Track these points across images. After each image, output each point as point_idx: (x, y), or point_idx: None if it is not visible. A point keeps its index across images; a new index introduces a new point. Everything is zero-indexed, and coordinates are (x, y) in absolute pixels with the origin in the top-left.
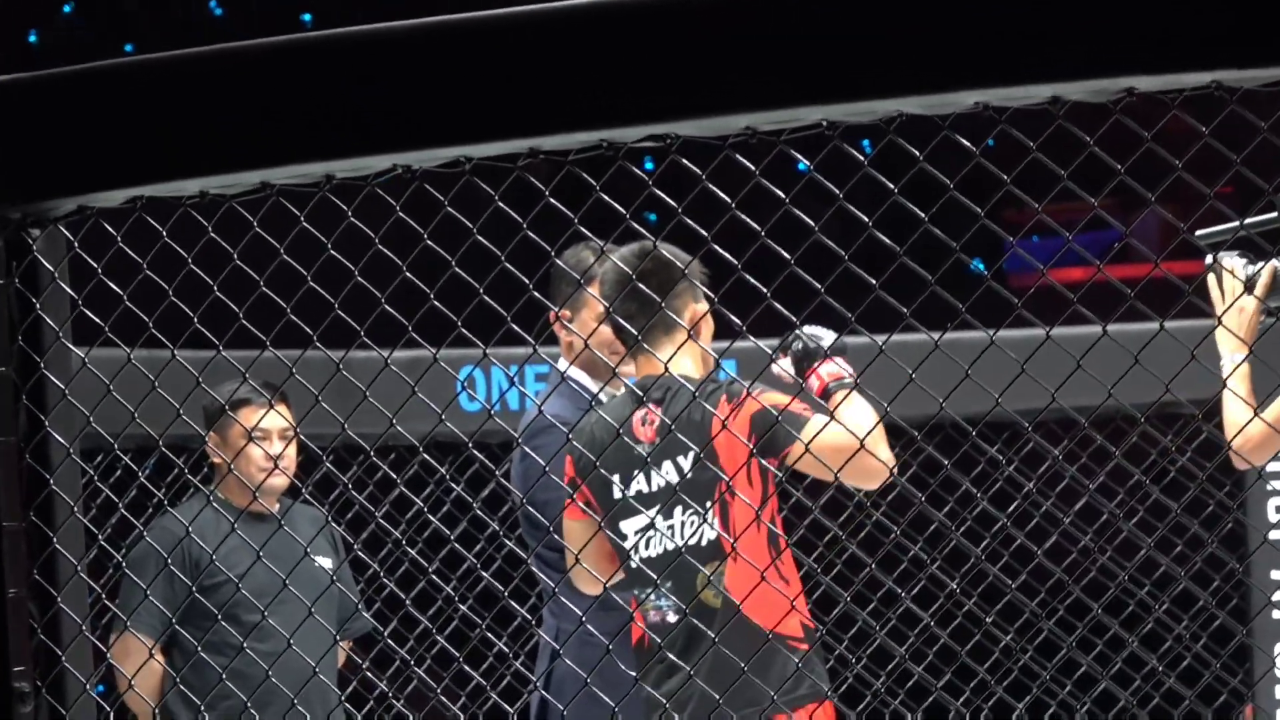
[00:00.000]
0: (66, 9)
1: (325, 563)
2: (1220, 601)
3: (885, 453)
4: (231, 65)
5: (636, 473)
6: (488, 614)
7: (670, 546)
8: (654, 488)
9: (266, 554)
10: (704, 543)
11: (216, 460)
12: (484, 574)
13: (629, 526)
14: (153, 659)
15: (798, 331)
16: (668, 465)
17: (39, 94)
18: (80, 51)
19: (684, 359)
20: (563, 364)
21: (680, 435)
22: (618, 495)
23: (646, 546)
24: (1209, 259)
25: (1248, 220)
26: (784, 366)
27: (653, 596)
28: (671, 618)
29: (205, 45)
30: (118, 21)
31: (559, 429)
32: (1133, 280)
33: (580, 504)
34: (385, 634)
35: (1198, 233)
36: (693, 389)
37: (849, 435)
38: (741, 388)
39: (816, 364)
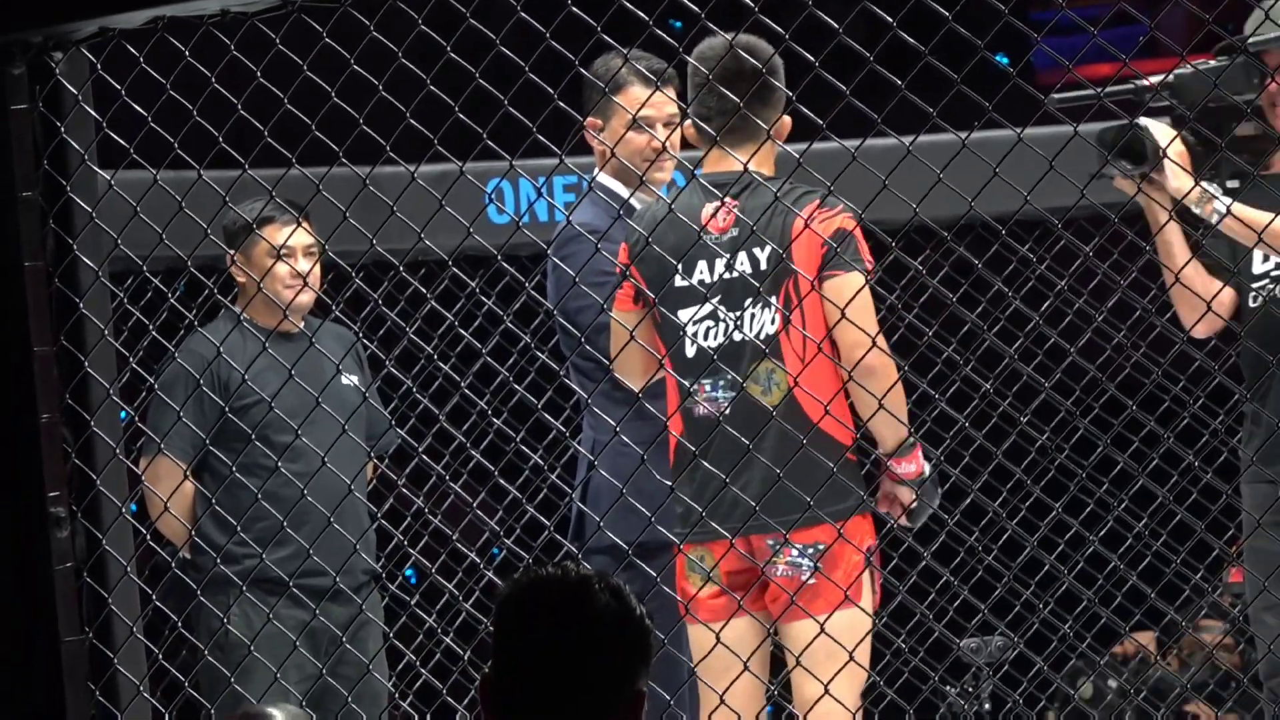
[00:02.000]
0: None
1: (350, 380)
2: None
3: (882, 359)
4: None
5: (701, 261)
6: (522, 427)
7: (737, 338)
8: (717, 278)
9: (294, 373)
10: (763, 338)
11: (241, 279)
12: (517, 387)
13: (686, 315)
14: (184, 482)
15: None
16: (741, 256)
17: None
18: None
19: (762, 161)
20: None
21: (759, 230)
22: (680, 282)
23: (706, 336)
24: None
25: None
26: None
27: (708, 386)
28: (728, 409)
29: None
30: None
31: (588, 238)
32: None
33: (629, 296)
34: (420, 450)
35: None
36: (785, 188)
37: (867, 309)
38: (838, 201)
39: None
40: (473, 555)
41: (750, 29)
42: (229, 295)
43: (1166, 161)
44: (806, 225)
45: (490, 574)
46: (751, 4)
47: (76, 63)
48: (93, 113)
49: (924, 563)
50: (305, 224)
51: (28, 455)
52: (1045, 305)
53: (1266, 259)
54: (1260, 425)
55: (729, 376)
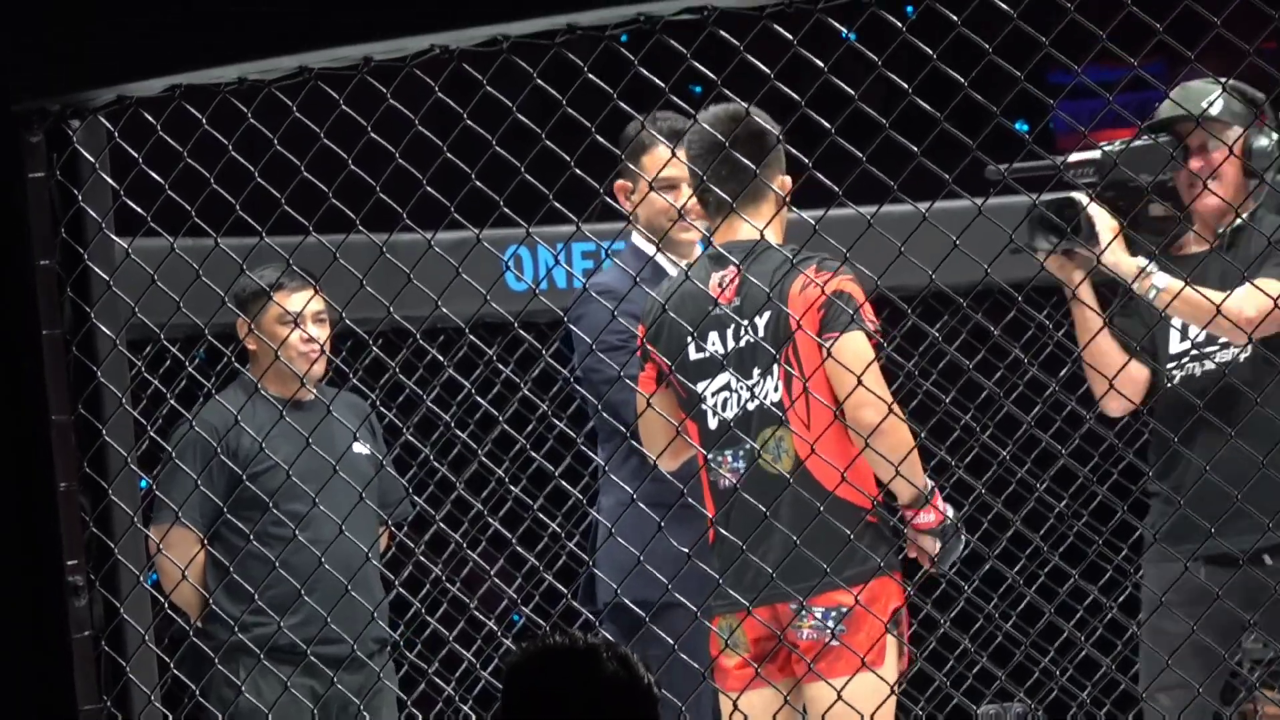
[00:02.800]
0: None
1: (363, 449)
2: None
3: (899, 438)
4: None
5: (713, 333)
6: (540, 494)
7: (751, 407)
8: (729, 349)
9: (307, 441)
10: (768, 406)
11: (253, 347)
12: (535, 454)
13: (705, 387)
14: (194, 549)
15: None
16: (745, 326)
17: None
18: None
19: (771, 227)
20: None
21: (759, 297)
22: (694, 355)
23: (724, 408)
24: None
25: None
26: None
27: (730, 457)
28: (743, 479)
29: None
30: None
31: (604, 297)
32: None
33: (652, 377)
34: (439, 517)
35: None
36: (785, 254)
37: (870, 367)
38: (835, 264)
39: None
40: (491, 623)
41: (766, 95)
42: (245, 363)
43: (1103, 237)
44: (820, 288)
45: (509, 641)
46: (767, 70)
47: (94, 130)
48: (110, 181)
49: (942, 629)
50: (315, 290)
51: (46, 524)
52: (1063, 371)
53: (1184, 338)
54: (1170, 504)
55: (747, 446)
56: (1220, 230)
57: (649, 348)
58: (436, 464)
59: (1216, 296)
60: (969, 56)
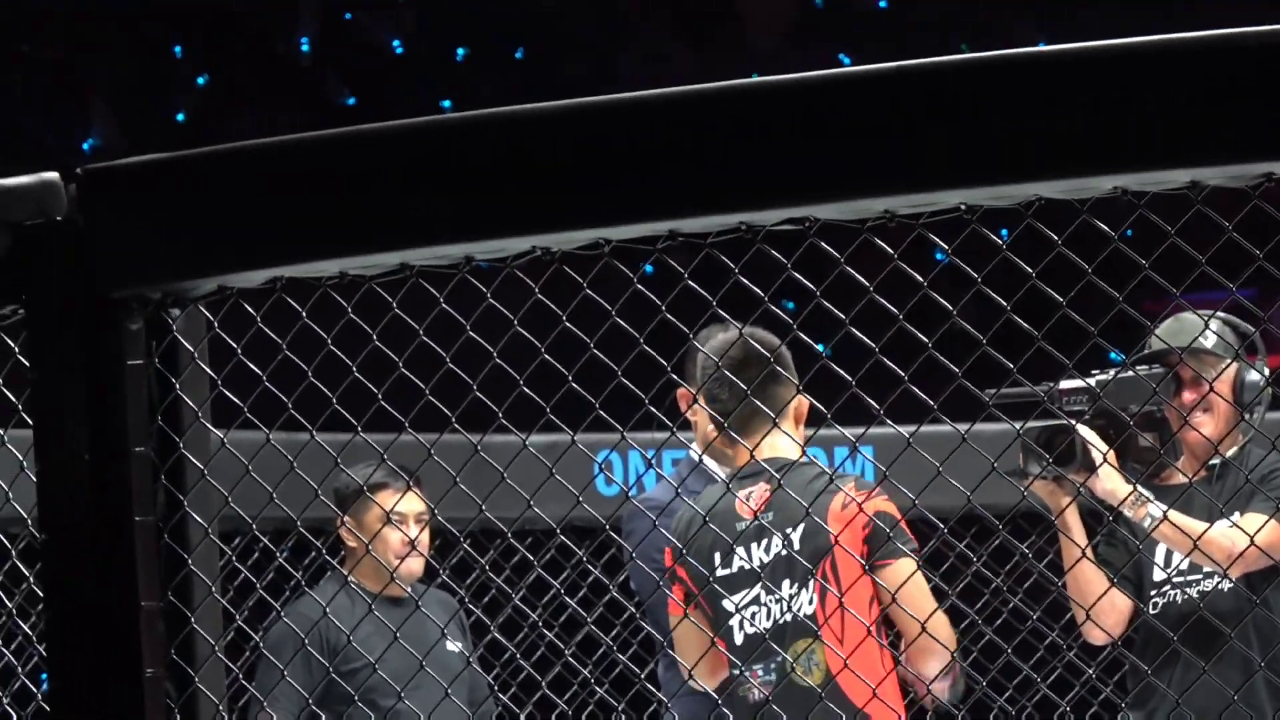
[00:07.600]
0: (200, 80)
1: (454, 646)
2: None
3: (946, 633)
4: (372, 146)
5: (739, 548)
6: (623, 700)
7: (783, 620)
8: (756, 563)
9: (401, 638)
10: (802, 618)
11: (352, 544)
12: (620, 657)
13: (729, 604)
14: None
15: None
16: (776, 539)
17: (180, 174)
18: (217, 125)
19: (789, 445)
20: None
21: (793, 511)
22: (721, 571)
23: (752, 621)
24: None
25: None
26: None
27: (760, 671)
28: (772, 693)
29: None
30: (245, 96)
31: (649, 515)
32: (1274, 369)
33: (679, 598)
34: (522, 718)
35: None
36: (820, 469)
37: (926, 593)
38: (870, 484)
39: None
40: None
41: (862, 309)
42: (335, 558)
43: (1100, 464)
44: (859, 507)
45: None
46: (866, 283)
47: (193, 319)
48: (208, 370)
49: None
50: (417, 490)
51: (131, 710)
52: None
53: (1167, 566)
54: None
55: (779, 660)
56: (1211, 463)
57: (676, 570)
58: (521, 664)
59: (1211, 528)
60: (1066, 278)
